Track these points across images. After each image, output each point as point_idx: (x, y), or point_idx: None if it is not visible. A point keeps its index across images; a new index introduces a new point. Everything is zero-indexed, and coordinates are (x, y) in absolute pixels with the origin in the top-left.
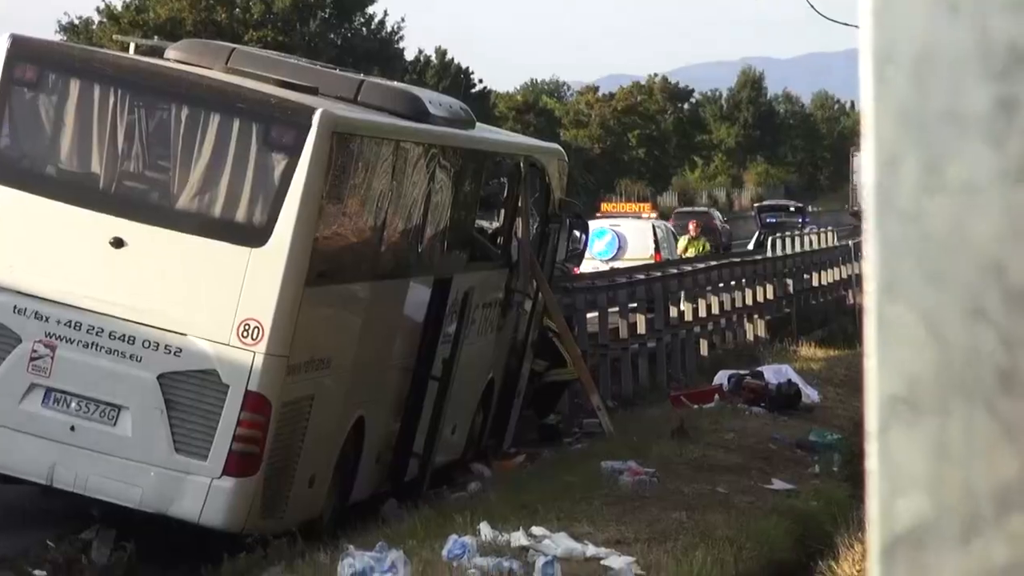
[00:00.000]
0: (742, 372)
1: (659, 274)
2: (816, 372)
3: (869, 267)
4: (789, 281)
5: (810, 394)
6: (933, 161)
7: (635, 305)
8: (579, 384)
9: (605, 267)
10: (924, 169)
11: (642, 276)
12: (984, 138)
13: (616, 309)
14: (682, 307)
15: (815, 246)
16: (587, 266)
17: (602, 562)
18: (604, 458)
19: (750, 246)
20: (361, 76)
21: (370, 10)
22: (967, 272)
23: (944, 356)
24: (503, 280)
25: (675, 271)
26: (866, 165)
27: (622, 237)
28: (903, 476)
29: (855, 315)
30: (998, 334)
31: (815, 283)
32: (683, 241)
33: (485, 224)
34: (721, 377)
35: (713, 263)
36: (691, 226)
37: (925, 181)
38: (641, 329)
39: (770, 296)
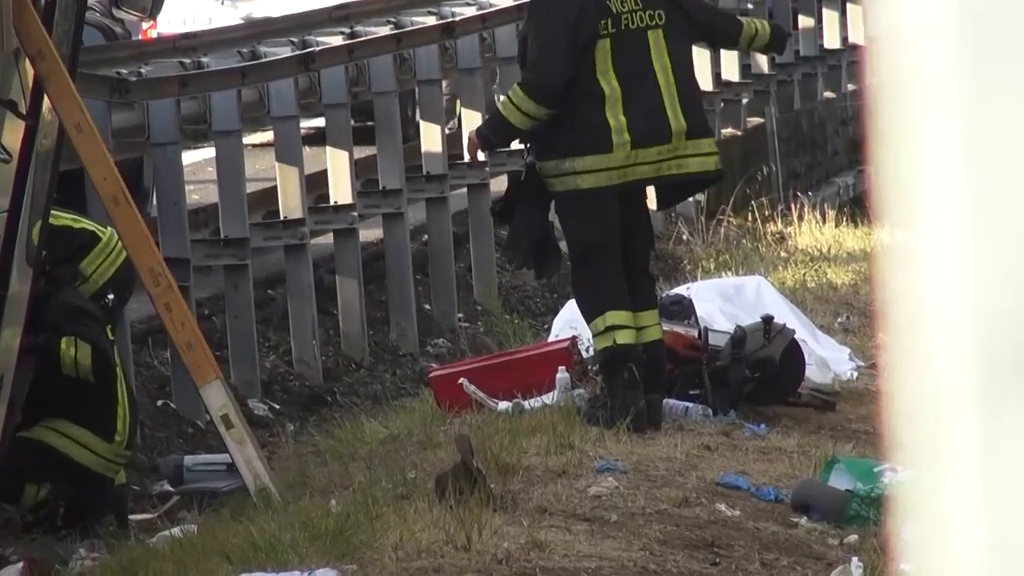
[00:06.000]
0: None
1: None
2: (839, 294)
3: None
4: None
5: (828, 358)
6: None
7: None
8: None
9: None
10: None
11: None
12: None
13: (268, 139)
14: (462, 113)
15: None
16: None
17: None
18: (250, 566)
19: None
20: None
21: None
22: None
23: None
24: None
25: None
26: None
27: None
28: None
29: None
30: None
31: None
32: None
33: None
34: (567, 316)
35: None
36: None
37: None
38: (346, 197)
39: (708, 87)
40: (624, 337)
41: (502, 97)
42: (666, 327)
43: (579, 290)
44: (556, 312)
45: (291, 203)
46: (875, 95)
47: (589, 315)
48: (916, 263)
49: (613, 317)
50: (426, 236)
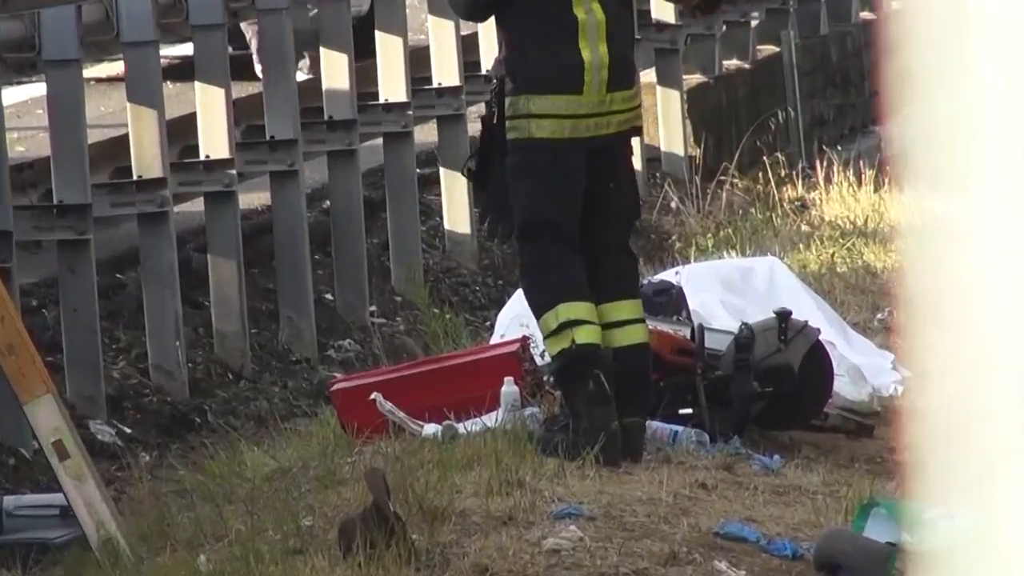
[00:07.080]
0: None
1: None
2: (879, 282)
3: None
4: None
5: (864, 366)
6: None
7: None
8: None
9: None
10: None
11: None
12: None
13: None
14: (378, 39)
15: None
16: None
17: None
18: None
19: None
20: None
21: None
22: None
23: None
24: None
25: None
26: None
27: None
28: None
29: None
30: None
31: None
32: None
33: None
34: (516, 309)
35: None
36: None
37: None
38: (221, 150)
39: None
40: (585, 335)
41: None
42: (648, 325)
43: (525, 275)
44: (501, 305)
45: (147, 157)
46: (904, 24)
47: (538, 309)
48: (960, 242)
49: (568, 311)
50: (328, 202)
